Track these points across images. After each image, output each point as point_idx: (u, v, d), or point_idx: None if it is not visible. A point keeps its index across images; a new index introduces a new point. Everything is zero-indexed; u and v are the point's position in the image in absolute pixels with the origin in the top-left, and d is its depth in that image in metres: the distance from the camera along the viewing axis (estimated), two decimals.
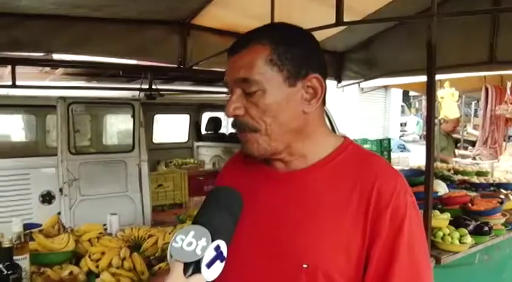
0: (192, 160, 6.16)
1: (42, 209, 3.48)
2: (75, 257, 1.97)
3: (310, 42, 0.98)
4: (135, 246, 2.12)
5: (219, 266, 0.80)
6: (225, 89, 1.02)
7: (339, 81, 4.91)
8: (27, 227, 2.03)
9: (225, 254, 0.82)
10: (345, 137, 1.05)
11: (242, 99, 0.93)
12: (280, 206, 0.99)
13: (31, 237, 1.89)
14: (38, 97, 3.91)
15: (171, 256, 0.80)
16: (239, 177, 1.09)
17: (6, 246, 1.50)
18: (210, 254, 0.79)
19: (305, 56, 0.94)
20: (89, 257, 1.89)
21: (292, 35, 0.97)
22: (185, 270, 0.78)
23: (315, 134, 1.00)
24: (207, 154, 6.26)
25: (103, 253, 1.89)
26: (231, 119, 0.99)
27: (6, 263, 1.50)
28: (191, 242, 0.79)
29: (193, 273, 0.78)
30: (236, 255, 0.97)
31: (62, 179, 3.53)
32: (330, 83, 4.48)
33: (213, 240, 0.80)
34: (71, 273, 1.75)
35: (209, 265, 0.79)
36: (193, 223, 0.84)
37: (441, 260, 2.33)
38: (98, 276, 1.79)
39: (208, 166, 6.10)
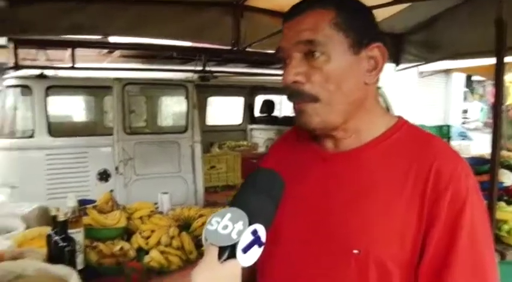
0: (245, 143, 6.17)
1: (99, 187, 3.61)
2: (127, 234, 2.02)
3: (371, 13, 0.93)
4: (185, 225, 2.14)
5: (256, 252, 0.76)
6: (279, 72, 0.97)
7: (397, 64, 4.69)
8: (82, 202, 2.11)
9: (263, 239, 0.77)
10: (400, 117, 0.97)
11: (303, 65, 0.88)
12: (329, 187, 0.93)
13: (85, 212, 1.95)
14: (95, 78, 4.03)
15: (205, 239, 0.76)
16: (285, 157, 1.05)
17: (62, 219, 1.55)
18: (247, 238, 0.75)
19: (367, 25, 0.90)
20: (140, 234, 1.93)
21: (354, 3, 0.92)
22: (220, 255, 0.74)
23: (372, 110, 0.94)
24: (261, 137, 6.25)
25: (153, 231, 1.92)
26: (285, 99, 0.94)
27: (62, 236, 1.55)
28: (227, 225, 0.75)
29: (228, 258, 0.74)
30: (280, 239, 0.93)
31: (117, 158, 3.64)
32: (387, 66, 4.29)
33: (250, 224, 0.75)
34: (121, 248, 1.79)
35: (245, 250, 0.75)
36: (230, 206, 0.80)
37: (506, 256, 2.17)
38: (147, 253, 1.82)
39: (261, 149, 6.08)
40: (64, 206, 1.69)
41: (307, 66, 0.87)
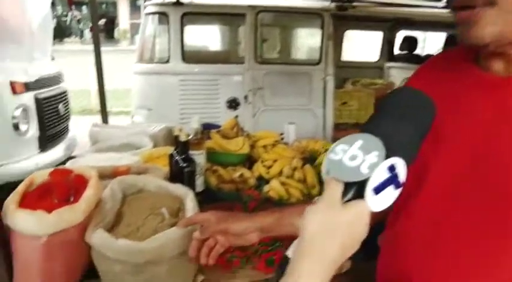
0: (380, 81, 5.75)
1: (227, 115, 3.63)
2: (249, 161, 1.95)
3: None
4: (309, 158, 1.99)
5: (391, 194, 0.57)
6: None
7: None
8: (207, 126, 2.07)
9: (402, 178, 0.57)
10: None
11: None
12: (495, 122, 0.69)
13: (209, 136, 1.90)
14: (230, 6, 3.96)
15: (327, 172, 0.59)
16: (438, 83, 0.80)
17: (183, 140, 1.51)
18: (381, 175, 0.56)
19: None
20: (262, 162, 1.83)
21: None
22: (344, 193, 0.57)
23: None
24: (398, 76, 5.76)
25: (275, 161, 1.81)
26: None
27: (183, 156, 1.52)
28: (356, 155, 0.56)
29: (353, 198, 0.56)
30: (423, 186, 0.71)
31: (247, 86, 3.60)
32: None
33: (387, 157, 0.56)
34: (241, 175, 1.72)
35: (378, 190, 0.56)
36: (361, 131, 0.60)
37: None
38: (267, 182, 1.73)
39: None
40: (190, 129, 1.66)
41: None
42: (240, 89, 3.64)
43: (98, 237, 1.02)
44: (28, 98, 3.66)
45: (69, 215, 1.03)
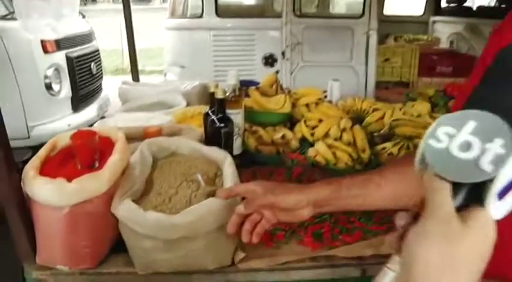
0: (425, 37, 5.35)
1: (264, 72, 3.44)
2: (290, 122, 1.78)
3: None
4: (356, 119, 1.80)
5: None
6: None
7: None
8: (245, 83, 1.90)
9: None
10: None
11: None
12: None
13: (247, 94, 1.73)
14: None
15: (424, 164, 0.42)
16: None
17: (220, 97, 1.34)
18: (510, 172, 0.38)
19: None
20: (305, 122, 1.66)
21: None
22: (453, 196, 0.40)
23: None
24: (445, 31, 5.36)
25: (320, 121, 1.63)
26: None
27: (219, 115, 1.36)
28: (469, 142, 0.39)
29: (465, 203, 0.40)
30: None
31: (285, 42, 3.37)
32: None
33: None
34: (283, 136, 1.55)
35: (503, 193, 0.39)
36: (466, 107, 0.42)
37: None
38: (311, 145, 1.56)
39: (443, 45, 5.22)
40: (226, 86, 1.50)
41: None
42: (277, 45, 3.41)
43: (124, 209, 0.89)
44: (60, 57, 3.59)
45: (92, 184, 0.90)
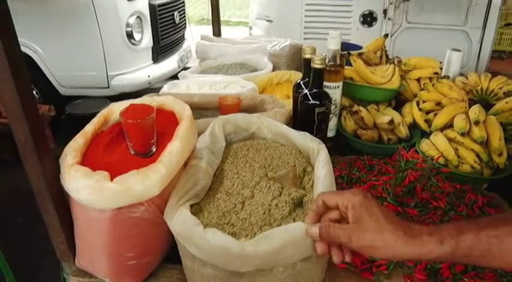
0: None
1: (360, 32, 3.01)
2: (396, 99, 1.43)
3: None
4: (478, 103, 1.40)
5: None
6: None
7: None
8: (344, 46, 1.56)
9: None
10: None
11: None
12: None
13: (347, 61, 1.39)
14: None
15: None
16: None
17: (318, 67, 1.04)
18: None
19: None
20: (417, 104, 1.31)
21: None
22: None
23: None
24: None
25: (438, 104, 1.27)
26: None
27: (314, 90, 1.07)
28: None
29: None
30: None
31: None
32: None
33: None
34: (391, 122, 1.22)
35: None
36: None
37: None
38: (423, 134, 1.23)
39: None
40: (322, 49, 1.18)
41: None
42: (378, 1, 2.96)
43: (180, 222, 0.65)
44: (143, 5, 3.43)
45: (140, 185, 0.65)
